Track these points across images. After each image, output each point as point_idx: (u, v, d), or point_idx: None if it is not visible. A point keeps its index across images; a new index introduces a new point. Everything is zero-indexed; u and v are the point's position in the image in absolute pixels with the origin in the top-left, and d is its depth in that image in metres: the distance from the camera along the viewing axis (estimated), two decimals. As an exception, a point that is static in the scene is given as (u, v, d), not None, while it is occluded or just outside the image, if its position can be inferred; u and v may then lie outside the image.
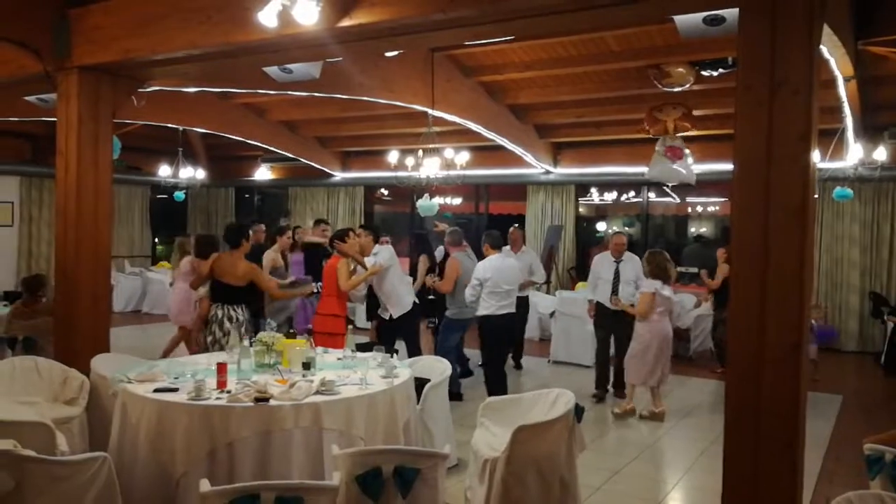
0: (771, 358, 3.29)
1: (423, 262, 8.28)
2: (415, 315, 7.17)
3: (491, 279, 6.57)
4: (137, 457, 3.72)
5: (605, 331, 7.55)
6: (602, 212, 15.40)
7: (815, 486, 4.99)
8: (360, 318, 11.37)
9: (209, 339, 5.92)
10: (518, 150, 11.38)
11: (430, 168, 8.90)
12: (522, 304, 8.37)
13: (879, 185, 10.43)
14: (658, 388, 6.76)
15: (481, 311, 6.70)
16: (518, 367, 8.90)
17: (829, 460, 5.66)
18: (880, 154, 8.68)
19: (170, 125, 11.44)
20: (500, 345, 6.88)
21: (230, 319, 5.86)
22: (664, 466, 5.60)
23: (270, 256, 7.56)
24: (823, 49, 5.26)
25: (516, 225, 9.43)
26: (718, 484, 3.50)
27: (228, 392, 3.83)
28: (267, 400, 3.69)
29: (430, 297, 8.13)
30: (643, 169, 11.59)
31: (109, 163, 5.76)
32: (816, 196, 10.31)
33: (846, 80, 6.67)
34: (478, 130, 10.16)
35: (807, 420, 3.47)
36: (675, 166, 8.00)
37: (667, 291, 6.66)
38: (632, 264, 7.45)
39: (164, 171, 12.85)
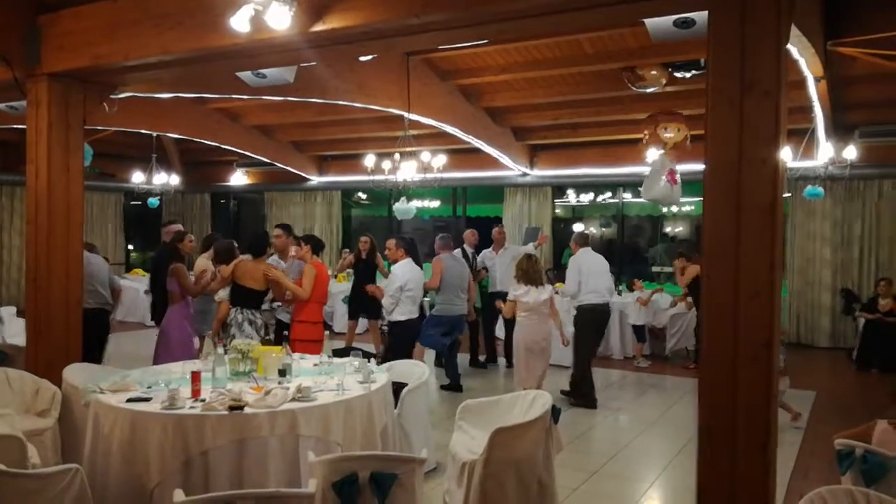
0: (743, 357, 3.32)
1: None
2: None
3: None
4: (110, 468, 3.68)
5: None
6: (579, 213, 15.49)
7: (790, 482, 5.04)
8: (340, 322, 11.34)
9: (229, 341, 5.87)
10: (495, 152, 11.40)
11: (407, 171, 8.89)
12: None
13: (850, 183, 10.62)
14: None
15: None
16: (484, 366, 9.19)
17: (803, 455, 5.74)
18: (850, 153, 8.80)
19: (143, 131, 11.31)
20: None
21: (250, 323, 5.93)
22: (641, 466, 5.63)
23: (202, 262, 7.30)
24: (793, 50, 5.33)
25: (500, 225, 9.59)
26: (694, 482, 3.52)
27: (203, 401, 3.79)
28: (242, 408, 3.66)
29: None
30: (619, 170, 11.79)
31: (81, 170, 5.68)
32: (788, 195, 10.49)
33: (816, 80, 6.76)
34: (454, 133, 10.17)
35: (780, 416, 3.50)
36: (672, 189, 7.89)
37: (531, 296, 6.50)
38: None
39: (137, 177, 12.71)
